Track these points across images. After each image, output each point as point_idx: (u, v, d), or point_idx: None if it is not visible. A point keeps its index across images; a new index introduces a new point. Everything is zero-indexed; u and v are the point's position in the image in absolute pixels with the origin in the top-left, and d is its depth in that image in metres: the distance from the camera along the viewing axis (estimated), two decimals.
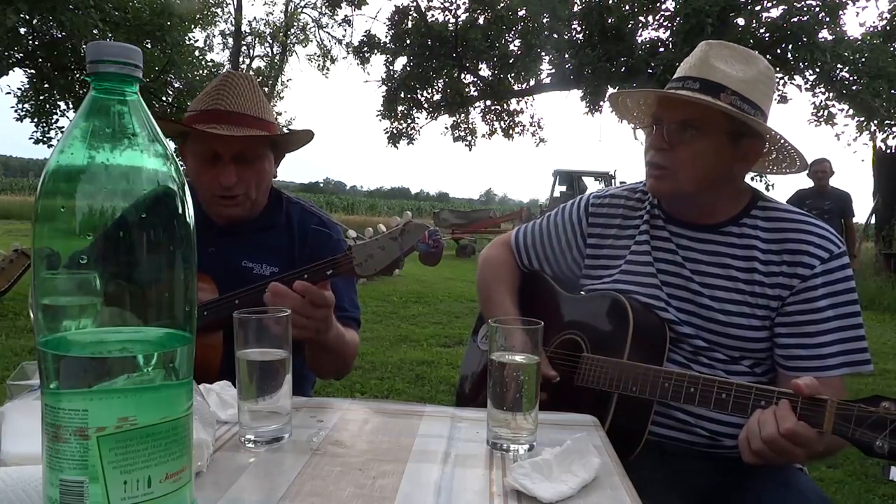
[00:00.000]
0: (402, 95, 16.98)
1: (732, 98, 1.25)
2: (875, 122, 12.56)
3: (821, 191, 6.91)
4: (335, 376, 1.62)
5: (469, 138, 17.84)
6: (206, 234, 1.40)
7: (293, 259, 1.53)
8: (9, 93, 14.68)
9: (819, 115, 13.49)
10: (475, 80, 16.89)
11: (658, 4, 13.93)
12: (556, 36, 14.59)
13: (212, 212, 1.52)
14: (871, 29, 13.34)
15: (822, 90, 13.20)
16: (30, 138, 14.80)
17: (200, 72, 16.12)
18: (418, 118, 17.46)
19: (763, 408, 1.08)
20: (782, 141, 1.31)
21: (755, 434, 1.06)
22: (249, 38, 26.87)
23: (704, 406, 1.16)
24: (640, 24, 14.23)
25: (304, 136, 1.56)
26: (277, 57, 27.39)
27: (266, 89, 24.14)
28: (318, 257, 1.30)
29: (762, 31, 13.06)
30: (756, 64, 1.30)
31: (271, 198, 1.60)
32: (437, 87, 17.10)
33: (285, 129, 1.74)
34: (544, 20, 14.85)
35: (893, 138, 12.81)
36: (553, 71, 15.58)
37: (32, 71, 14.02)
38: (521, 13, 15.50)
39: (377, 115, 17.39)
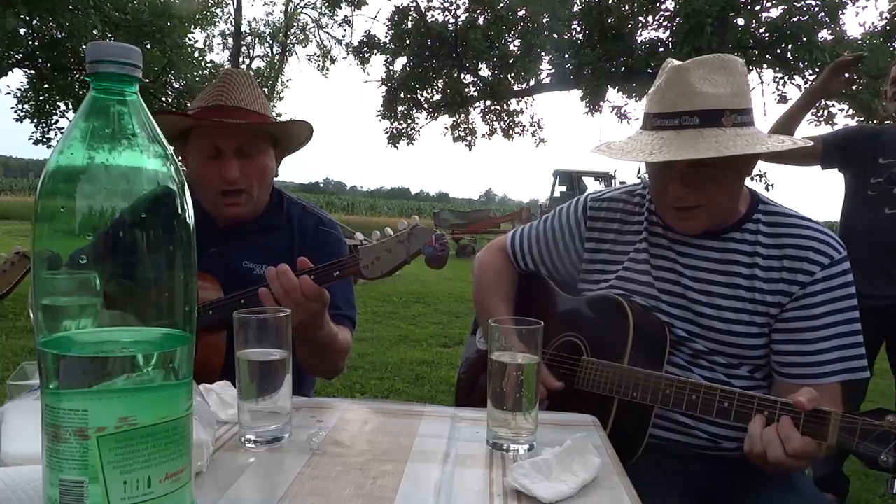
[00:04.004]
0: (402, 95, 16.98)
1: (732, 117, 1.22)
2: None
3: None
4: (326, 375, 1.62)
5: (469, 138, 17.84)
6: (208, 235, 1.40)
7: (293, 261, 1.53)
8: (9, 93, 14.71)
9: (819, 115, 13.46)
10: (475, 80, 16.88)
11: (658, 4, 13.93)
12: (555, 36, 14.58)
13: (215, 212, 1.53)
14: (871, 29, 13.34)
15: None
16: (29, 139, 14.84)
17: (200, 72, 16.12)
18: (418, 118, 17.47)
19: (766, 416, 1.07)
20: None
21: (761, 456, 1.05)
22: (249, 39, 26.94)
23: (706, 415, 1.15)
24: (640, 24, 14.25)
25: (304, 129, 1.56)
26: (277, 57, 27.42)
27: (266, 89, 24.16)
28: (321, 257, 1.30)
29: (762, 31, 13.06)
30: (734, 66, 1.24)
31: (272, 198, 1.61)
32: (436, 88, 17.09)
33: None
34: (544, 20, 14.85)
35: None
36: (553, 71, 15.57)
37: (32, 71, 14.04)
38: (521, 13, 15.50)
39: (377, 116, 17.42)
